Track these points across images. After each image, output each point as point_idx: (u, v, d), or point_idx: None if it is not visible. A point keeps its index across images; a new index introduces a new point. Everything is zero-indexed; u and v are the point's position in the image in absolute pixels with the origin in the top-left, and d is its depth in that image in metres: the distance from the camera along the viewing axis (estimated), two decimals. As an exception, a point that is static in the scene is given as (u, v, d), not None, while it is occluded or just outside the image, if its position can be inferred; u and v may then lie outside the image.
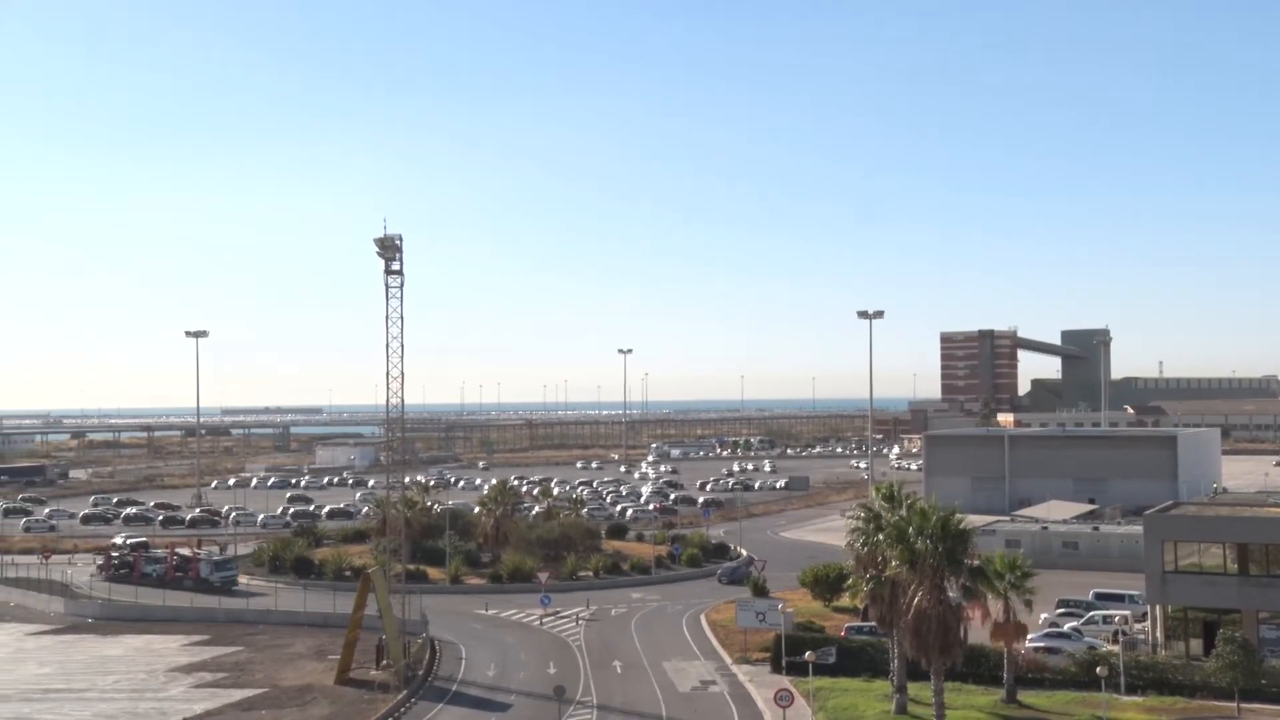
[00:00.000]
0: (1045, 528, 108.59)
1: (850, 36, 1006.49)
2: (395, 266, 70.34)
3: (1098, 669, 56.91)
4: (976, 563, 55.35)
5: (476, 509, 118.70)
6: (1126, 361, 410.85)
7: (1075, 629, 70.81)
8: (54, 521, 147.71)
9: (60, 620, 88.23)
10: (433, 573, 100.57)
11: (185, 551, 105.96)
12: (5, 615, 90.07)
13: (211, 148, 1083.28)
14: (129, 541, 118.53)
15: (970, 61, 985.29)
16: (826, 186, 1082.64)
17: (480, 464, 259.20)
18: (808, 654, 60.11)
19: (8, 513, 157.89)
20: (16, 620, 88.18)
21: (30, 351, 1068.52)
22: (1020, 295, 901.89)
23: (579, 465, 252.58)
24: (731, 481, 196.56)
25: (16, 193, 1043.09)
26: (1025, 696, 58.36)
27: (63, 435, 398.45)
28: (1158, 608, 67.38)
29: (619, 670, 67.85)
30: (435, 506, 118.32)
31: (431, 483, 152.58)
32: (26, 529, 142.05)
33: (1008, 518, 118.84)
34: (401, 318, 70.38)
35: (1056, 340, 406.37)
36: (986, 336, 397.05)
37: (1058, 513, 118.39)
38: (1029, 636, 63.40)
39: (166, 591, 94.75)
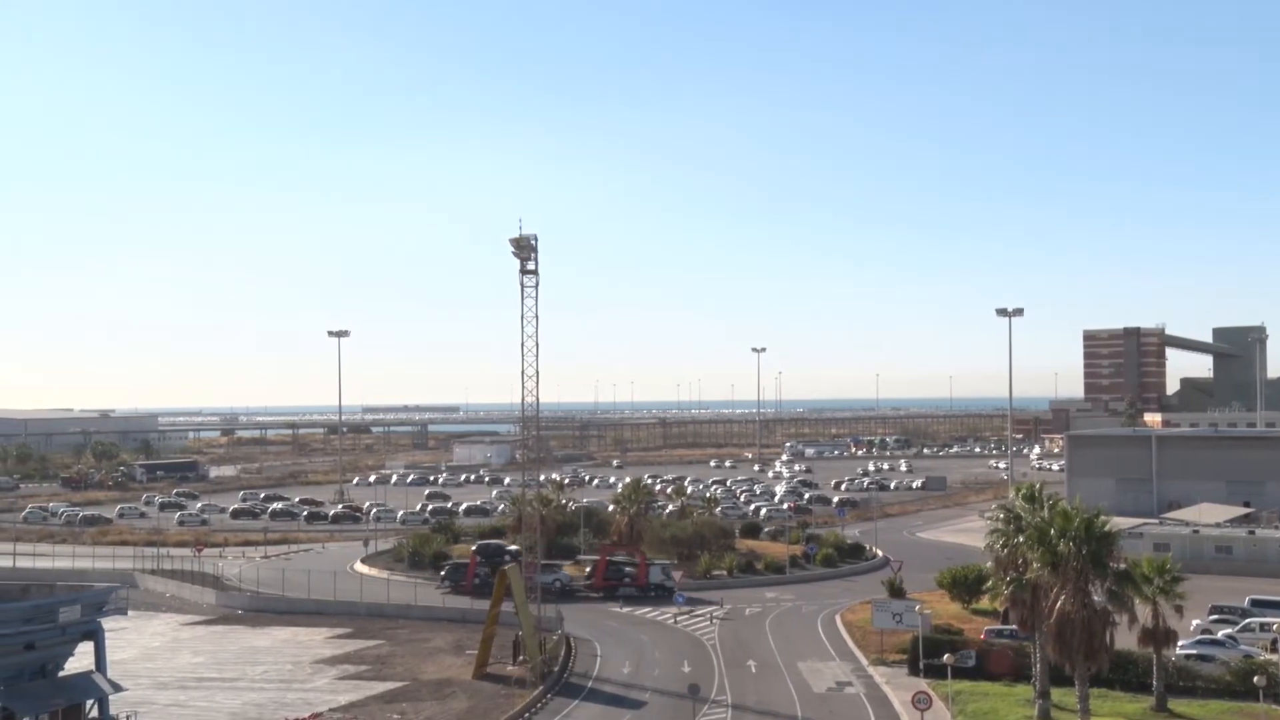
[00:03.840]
0: (1196, 531, 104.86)
1: (977, 24, 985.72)
2: (530, 266, 70.92)
3: (1255, 678, 54.74)
4: (1122, 566, 53.72)
5: (611, 507, 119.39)
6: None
7: (1230, 636, 68.10)
8: (205, 516, 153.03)
9: (212, 611, 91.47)
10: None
11: (621, 556, 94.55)
12: (162, 606, 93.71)
13: (352, 148, 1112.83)
14: (507, 548, 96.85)
15: (1110, 46, 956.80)
16: (962, 180, 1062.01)
17: (614, 462, 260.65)
18: (946, 656, 59.06)
19: (163, 507, 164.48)
20: (172, 610, 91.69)
21: (181, 352, 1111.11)
22: (1168, 291, 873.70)
23: (712, 464, 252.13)
24: (867, 481, 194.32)
25: (158, 194, 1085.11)
26: (1176, 705, 56.37)
27: (213, 432, 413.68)
28: (1319, 616, 64.44)
29: (753, 670, 67.52)
30: (570, 504, 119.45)
31: (566, 481, 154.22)
32: (180, 523, 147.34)
33: (1156, 520, 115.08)
34: (536, 317, 70.95)
35: (1208, 338, 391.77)
36: (1132, 334, 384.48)
37: (1209, 516, 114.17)
38: (1180, 643, 61.29)
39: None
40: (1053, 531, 52.18)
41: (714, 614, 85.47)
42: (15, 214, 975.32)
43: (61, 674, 46.96)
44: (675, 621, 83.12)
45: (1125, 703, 57.11)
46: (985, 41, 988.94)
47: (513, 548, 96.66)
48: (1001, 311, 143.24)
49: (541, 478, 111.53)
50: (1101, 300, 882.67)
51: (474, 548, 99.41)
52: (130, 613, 71.90)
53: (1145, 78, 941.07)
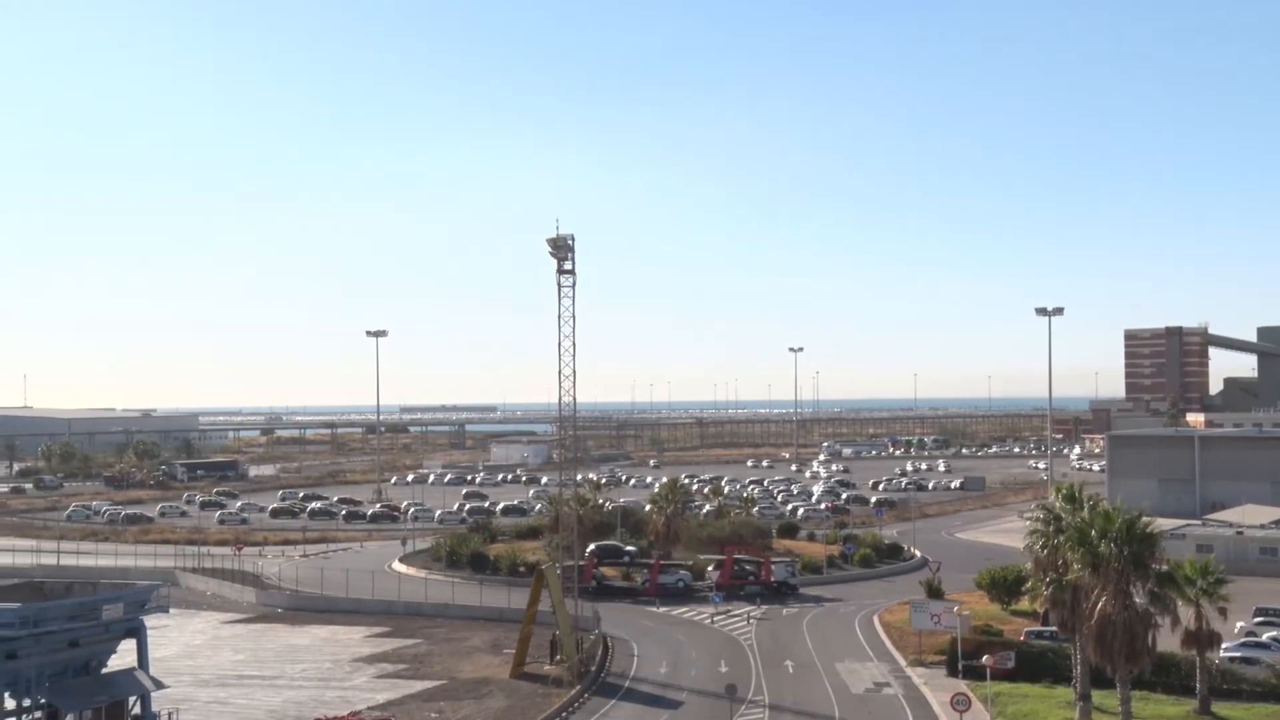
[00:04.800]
0: (1240, 532, 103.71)
1: (1017, 18, 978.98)
2: (567, 266, 70.95)
3: (1300, 682, 54.02)
4: (1165, 568, 53.15)
5: (647, 507, 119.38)
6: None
7: (1275, 639, 67.30)
8: (245, 515, 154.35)
9: (252, 609, 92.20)
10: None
11: (745, 555, 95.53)
12: (203, 604, 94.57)
13: (389, 148, 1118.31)
14: (625, 548, 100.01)
15: (1152, 43, 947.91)
16: (1002, 179, 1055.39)
17: (651, 462, 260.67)
18: (985, 658, 58.63)
19: (204, 506, 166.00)
20: (213, 609, 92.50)
21: (221, 352, 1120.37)
22: (1211, 290, 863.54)
23: (749, 464, 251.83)
24: (905, 481, 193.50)
25: (201, 196, 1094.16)
26: (1219, 708, 55.70)
27: (253, 432, 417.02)
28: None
29: (791, 670, 67.35)
30: (607, 504, 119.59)
31: (603, 480, 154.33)
32: (221, 521, 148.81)
33: (1198, 521, 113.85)
34: (573, 317, 70.91)
35: (1252, 337, 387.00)
36: (1174, 333, 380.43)
37: (1254, 517, 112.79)
38: (1224, 646, 60.58)
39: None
40: (1094, 532, 51.69)
41: (751, 614, 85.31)
42: (15, 213, 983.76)
43: (104, 671, 47.40)
44: (712, 621, 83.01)
45: (1168, 705, 56.51)
46: (1026, 37, 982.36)
47: (630, 548, 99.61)
48: (1041, 311, 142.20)
49: (579, 477, 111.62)
50: (1143, 299, 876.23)
51: (590, 548, 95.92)
52: (172, 611, 72.65)
53: (1188, 76, 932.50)
